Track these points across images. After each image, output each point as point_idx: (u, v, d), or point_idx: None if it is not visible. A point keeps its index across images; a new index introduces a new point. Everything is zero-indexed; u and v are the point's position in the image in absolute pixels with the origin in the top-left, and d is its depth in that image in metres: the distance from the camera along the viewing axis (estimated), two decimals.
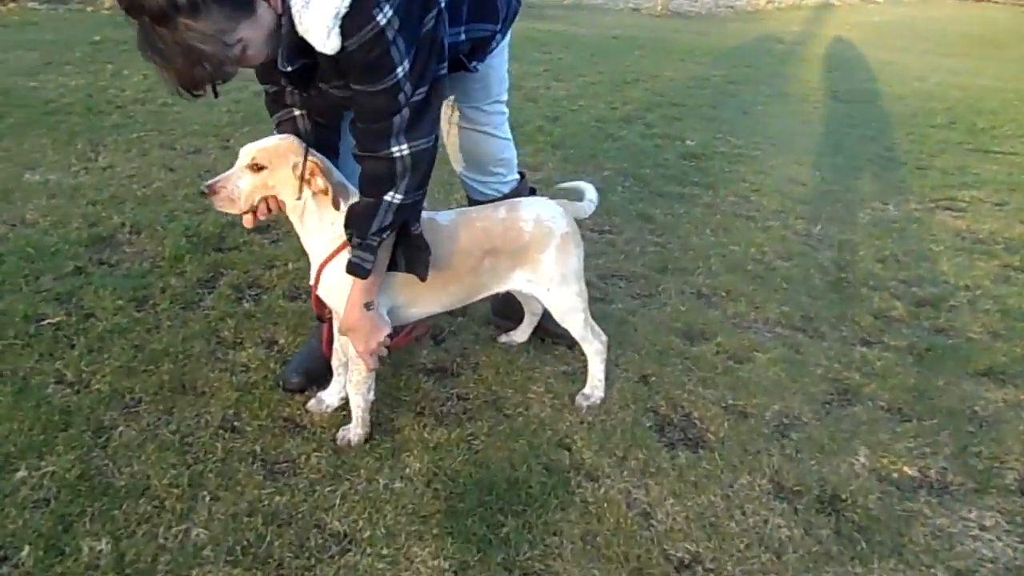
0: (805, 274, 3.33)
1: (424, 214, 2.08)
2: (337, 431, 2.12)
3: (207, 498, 1.88)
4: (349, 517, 1.85)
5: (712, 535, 1.88)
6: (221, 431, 2.11)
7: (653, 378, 2.50)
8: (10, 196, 3.50)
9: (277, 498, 1.90)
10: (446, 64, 1.85)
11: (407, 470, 2.02)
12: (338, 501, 1.90)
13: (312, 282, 2.03)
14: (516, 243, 2.16)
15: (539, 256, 2.18)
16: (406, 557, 1.76)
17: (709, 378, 2.51)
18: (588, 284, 2.56)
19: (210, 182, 1.87)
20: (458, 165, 2.47)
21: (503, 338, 2.66)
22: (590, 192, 2.34)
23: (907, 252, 3.67)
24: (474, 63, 2.15)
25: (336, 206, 1.92)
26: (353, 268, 1.90)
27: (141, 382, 2.28)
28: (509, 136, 2.47)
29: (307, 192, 1.91)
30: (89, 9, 9.01)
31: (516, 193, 2.47)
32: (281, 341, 2.55)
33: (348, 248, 1.92)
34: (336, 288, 2.00)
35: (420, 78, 1.75)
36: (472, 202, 2.49)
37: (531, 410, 2.30)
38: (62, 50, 6.58)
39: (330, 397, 2.25)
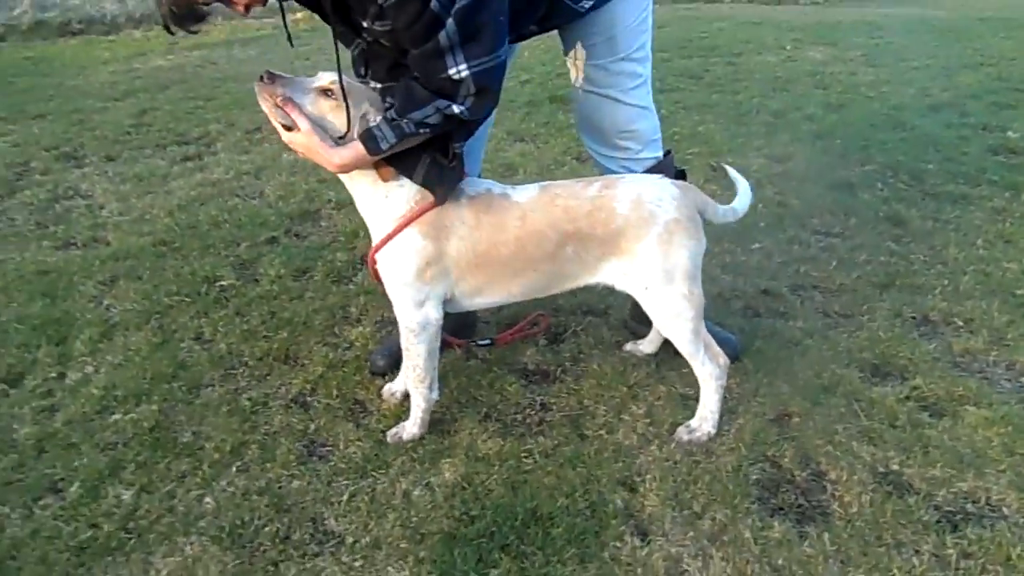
0: None
1: (497, 188, 1.82)
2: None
3: (236, 468, 1.84)
4: (347, 518, 1.68)
5: None
6: (292, 405, 2.07)
7: (795, 419, 1.91)
8: (260, 174, 3.93)
9: (295, 483, 1.79)
10: None
11: (436, 478, 1.78)
12: (346, 498, 1.73)
13: (369, 259, 1.87)
14: (606, 227, 1.78)
15: (634, 246, 1.77)
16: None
17: (876, 431, 1.84)
18: (772, 295, 2.06)
19: (277, 73, 1.66)
20: (583, 133, 2.15)
21: (628, 346, 2.26)
22: (741, 193, 1.88)
23: None
24: (583, 3, 1.86)
25: (384, 178, 1.75)
26: (369, 139, 1.64)
27: (255, 347, 2.34)
28: (646, 104, 2.07)
29: None
30: None
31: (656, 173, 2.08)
32: None
33: (407, 225, 1.75)
34: (394, 275, 1.81)
35: None
36: None
37: (615, 434, 1.90)
38: None
39: (400, 385, 2.09)
